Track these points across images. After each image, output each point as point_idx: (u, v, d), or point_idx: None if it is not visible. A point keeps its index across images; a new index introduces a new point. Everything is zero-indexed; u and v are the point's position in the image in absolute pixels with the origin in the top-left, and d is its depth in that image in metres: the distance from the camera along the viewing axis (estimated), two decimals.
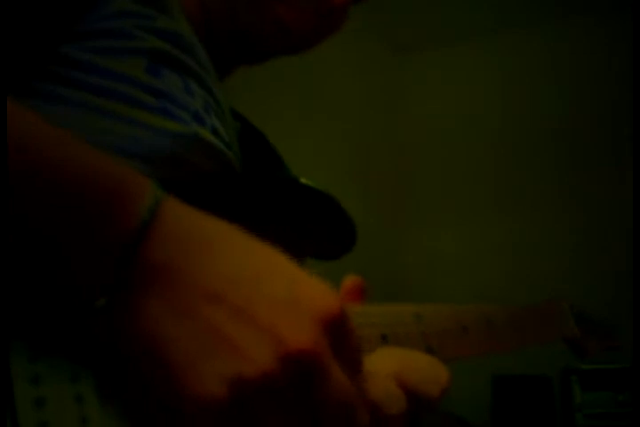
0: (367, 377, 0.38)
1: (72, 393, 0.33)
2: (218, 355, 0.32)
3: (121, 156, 0.36)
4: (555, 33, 2.75)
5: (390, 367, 0.45)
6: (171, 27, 0.51)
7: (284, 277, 0.35)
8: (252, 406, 0.32)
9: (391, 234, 2.80)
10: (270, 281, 0.34)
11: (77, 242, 0.32)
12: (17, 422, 0.32)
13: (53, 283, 0.33)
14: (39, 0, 0.43)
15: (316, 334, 0.33)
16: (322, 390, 0.33)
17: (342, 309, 0.35)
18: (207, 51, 0.55)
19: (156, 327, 0.33)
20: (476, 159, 2.81)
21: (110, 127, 0.45)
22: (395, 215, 2.87)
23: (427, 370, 0.46)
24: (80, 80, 0.45)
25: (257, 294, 0.33)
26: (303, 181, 0.54)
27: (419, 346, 0.51)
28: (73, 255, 0.32)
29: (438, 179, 2.89)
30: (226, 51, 0.64)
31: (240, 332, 0.32)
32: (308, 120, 2.28)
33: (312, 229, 0.55)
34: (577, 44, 2.70)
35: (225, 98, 0.57)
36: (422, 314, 0.53)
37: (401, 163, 2.95)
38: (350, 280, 0.54)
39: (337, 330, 0.34)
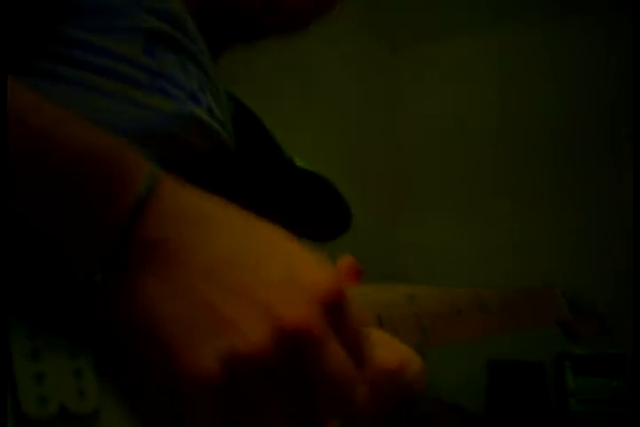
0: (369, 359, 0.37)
1: (71, 368, 0.34)
2: (214, 333, 0.32)
3: (118, 135, 0.36)
4: (553, 32, 2.74)
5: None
6: (166, 5, 0.51)
7: (282, 255, 0.35)
8: (247, 385, 0.32)
9: (388, 233, 2.80)
10: (268, 259, 0.34)
11: (75, 218, 0.32)
12: (17, 397, 0.32)
13: (50, 259, 0.33)
14: None
15: (313, 311, 0.33)
16: (317, 368, 0.33)
17: (341, 287, 0.35)
18: (199, 29, 0.55)
19: (152, 305, 0.33)
20: (474, 158, 2.80)
21: (107, 106, 0.45)
22: (392, 214, 2.87)
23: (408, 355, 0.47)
24: (79, 59, 0.45)
25: (254, 273, 0.33)
26: (299, 162, 0.54)
27: (412, 327, 0.52)
28: (70, 231, 0.33)
29: (436, 177, 2.89)
30: (218, 29, 0.64)
31: (236, 310, 0.32)
32: (305, 118, 2.28)
33: (307, 210, 0.55)
34: (575, 43, 2.69)
35: (219, 78, 0.57)
36: (416, 295, 0.54)
37: (398, 162, 2.95)
38: (346, 261, 0.54)
39: (336, 309, 0.34)
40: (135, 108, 0.46)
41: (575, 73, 2.70)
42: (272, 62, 2.20)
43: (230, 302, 0.33)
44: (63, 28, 0.45)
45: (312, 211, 0.56)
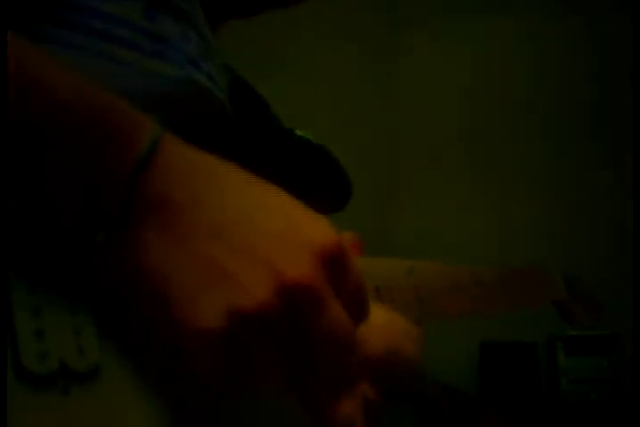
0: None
1: (71, 325, 0.34)
2: (216, 288, 0.32)
3: None
4: (550, 17, 2.72)
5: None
6: None
7: (282, 212, 0.35)
8: (248, 341, 0.32)
9: (381, 216, 2.80)
10: (269, 216, 0.34)
11: (76, 172, 0.32)
12: (18, 353, 0.33)
13: (52, 215, 0.33)
14: None
15: (315, 267, 0.33)
16: (317, 325, 0.33)
17: (341, 242, 0.35)
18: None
19: (155, 261, 0.33)
20: (469, 142, 2.78)
21: (107, 70, 0.45)
22: (385, 197, 2.87)
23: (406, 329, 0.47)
24: (79, 23, 0.45)
25: (256, 229, 0.34)
26: (298, 132, 0.54)
27: (410, 298, 0.52)
28: (72, 186, 0.33)
29: (430, 160, 2.88)
30: (214, 2, 0.63)
31: (238, 265, 0.33)
32: (300, 99, 2.26)
33: (307, 181, 0.55)
34: (567, 24, 2.68)
35: (218, 47, 0.57)
36: (414, 269, 0.54)
37: (392, 145, 2.94)
38: (347, 236, 0.54)
39: (336, 264, 0.34)
40: (134, 71, 0.46)
41: (573, 58, 2.68)
42: (269, 41, 2.18)
43: (233, 258, 0.33)
44: None
45: (312, 181, 0.56)
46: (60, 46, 0.44)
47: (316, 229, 0.35)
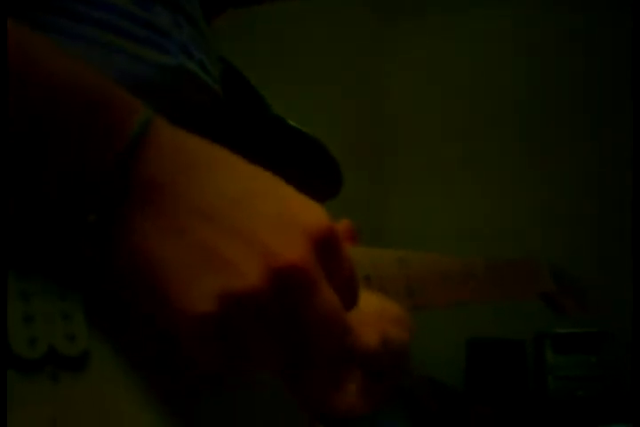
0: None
1: (60, 310, 0.34)
2: (208, 271, 0.32)
3: None
4: (546, 7, 2.73)
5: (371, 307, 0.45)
6: None
7: (274, 195, 0.35)
8: (240, 324, 0.32)
9: (374, 204, 2.80)
10: (261, 199, 0.34)
11: (69, 150, 0.32)
12: (6, 337, 0.32)
13: (42, 198, 0.33)
14: None
15: (308, 250, 0.33)
16: (310, 308, 0.33)
17: (334, 227, 0.35)
18: None
19: (147, 244, 0.33)
20: (462, 129, 2.80)
21: (99, 57, 0.45)
22: (379, 184, 2.87)
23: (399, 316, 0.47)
24: (70, 10, 0.45)
25: (249, 212, 0.34)
26: (290, 122, 0.54)
27: (400, 288, 0.52)
28: (64, 164, 0.32)
29: (424, 147, 2.89)
30: None
31: (230, 248, 0.32)
32: (292, 87, 2.26)
33: (297, 169, 0.55)
34: (566, 22, 2.70)
35: (211, 36, 0.57)
36: (405, 259, 0.54)
37: (385, 132, 2.94)
38: (341, 224, 0.54)
39: (329, 248, 0.34)
40: (126, 59, 0.46)
41: (572, 58, 2.70)
42: (261, 30, 2.18)
43: (226, 241, 0.33)
44: None
45: (302, 169, 0.56)
46: (58, 34, 0.44)
47: (309, 213, 0.35)
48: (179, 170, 0.34)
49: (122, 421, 0.34)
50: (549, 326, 2.25)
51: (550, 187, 2.66)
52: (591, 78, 2.64)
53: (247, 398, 0.40)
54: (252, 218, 0.33)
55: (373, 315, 0.46)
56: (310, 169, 0.56)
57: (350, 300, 0.36)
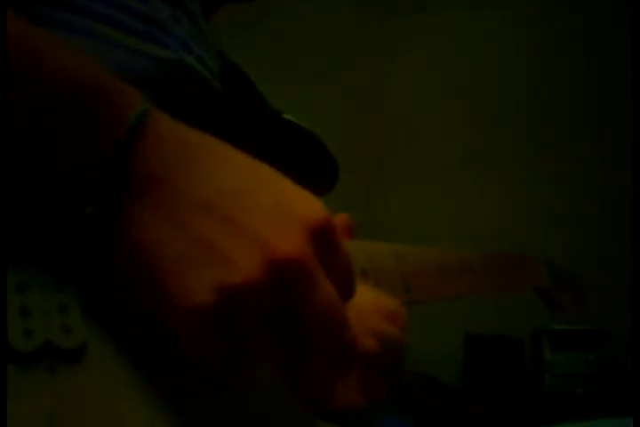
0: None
1: (56, 303, 0.34)
2: (205, 263, 0.32)
3: None
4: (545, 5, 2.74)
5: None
6: None
7: (272, 187, 0.35)
8: (237, 317, 0.32)
9: (373, 201, 2.80)
10: (259, 191, 0.34)
11: (67, 140, 0.32)
12: (4, 331, 0.32)
13: (39, 189, 0.33)
14: None
15: (305, 242, 0.33)
16: (308, 300, 0.33)
17: (331, 219, 0.35)
18: None
19: (144, 236, 0.33)
20: (461, 128, 2.80)
21: (97, 51, 0.45)
22: (378, 183, 2.87)
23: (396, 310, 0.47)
24: (69, 3, 0.45)
25: (245, 204, 0.34)
26: (286, 116, 0.54)
27: (396, 283, 0.52)
28: (61, 154, 0.32)
29: (423, 146, 2.89)
30: None
31: (228, 240, 0.32)
32: (291, 85, 2.26)
33: (293, 163, 0.55)
34: (566, 22, 2.70)
35: (210, 33, 0.57)
36: (402, 253, 0.54)
37: (385, 130, 2.94)
38: (340, 218, 0.54)
39: (326, 240, 0.34)
40: (124, 52, 0.46)
41: (572, 58, 2.70)
42: (260, 28, 2.18)
43: (222, 232, 0.33)
44: None
45: (298, 163, 0.56)
46: (57, 28, 0.44)
47: (306, 205, 0.35)
48: (178, 163, 0.34)
49: (120, 414, 0.34)
50: (547, 323, 2.26)
51: (550, 187, 2.66)
52: (591, 78, 2.64)
53: (247, 398, 0.40)
54: (250, 211, 0.33)
55: (369, 309, 0.46)
56: (308, 164, 0.56)
57: (347, 292, 0.36)
